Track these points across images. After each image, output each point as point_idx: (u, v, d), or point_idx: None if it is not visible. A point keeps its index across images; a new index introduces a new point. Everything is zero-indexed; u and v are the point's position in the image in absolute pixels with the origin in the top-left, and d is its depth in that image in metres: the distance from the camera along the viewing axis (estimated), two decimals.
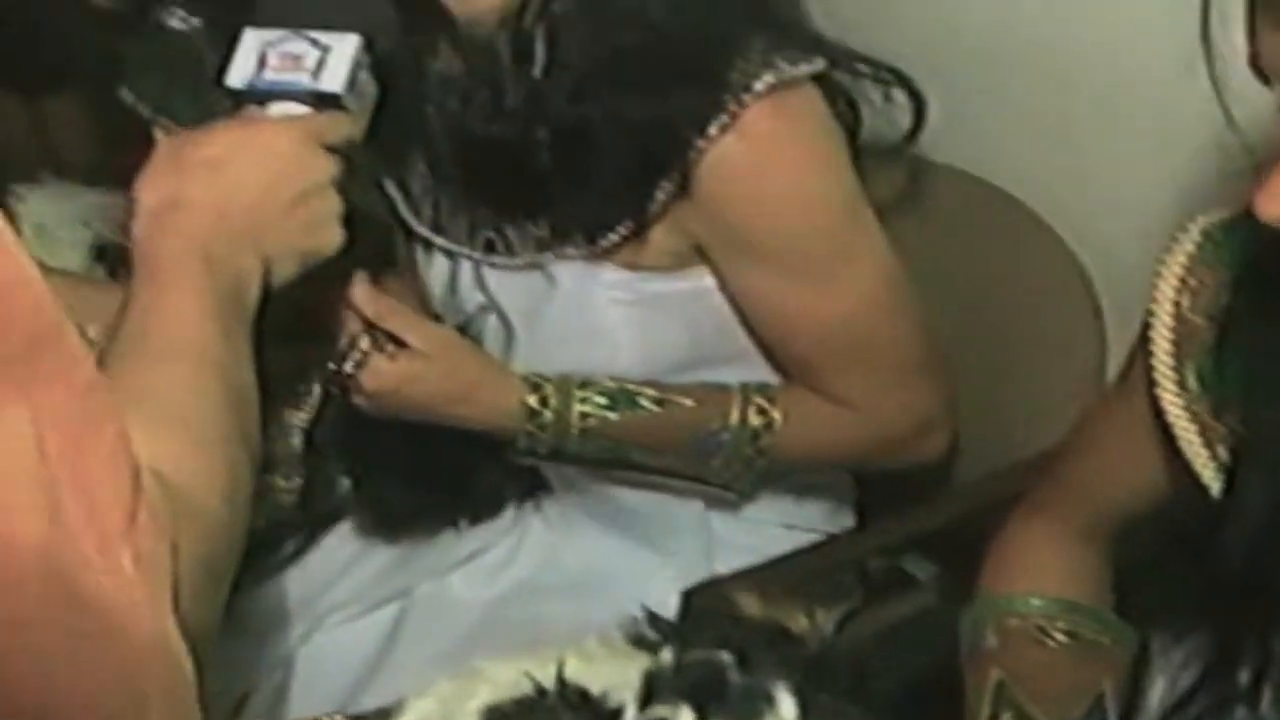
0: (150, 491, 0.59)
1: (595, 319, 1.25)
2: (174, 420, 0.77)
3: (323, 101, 1.00)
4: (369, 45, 1.02)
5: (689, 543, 1.34)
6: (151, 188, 0.93)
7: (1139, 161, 1.35)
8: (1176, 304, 0.95)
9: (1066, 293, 1.37)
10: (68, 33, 1.67)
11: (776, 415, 1.24)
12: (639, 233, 1.19)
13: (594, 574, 1.34)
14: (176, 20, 1.50)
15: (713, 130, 1.13)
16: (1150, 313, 0.96)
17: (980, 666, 1.06)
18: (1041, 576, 1.08)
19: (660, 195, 1.16)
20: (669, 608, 1.04)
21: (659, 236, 1.20)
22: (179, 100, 1.59)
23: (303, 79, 0.99)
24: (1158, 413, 0.96)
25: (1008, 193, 1.41)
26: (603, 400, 1.22)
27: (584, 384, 1.23)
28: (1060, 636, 1.06)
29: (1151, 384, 0.96)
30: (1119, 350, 1.31)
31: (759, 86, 1.13)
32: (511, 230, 1.24)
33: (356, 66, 1.01)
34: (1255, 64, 0.77)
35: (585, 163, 1.16)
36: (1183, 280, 0.95)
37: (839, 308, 1.21)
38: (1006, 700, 1.03)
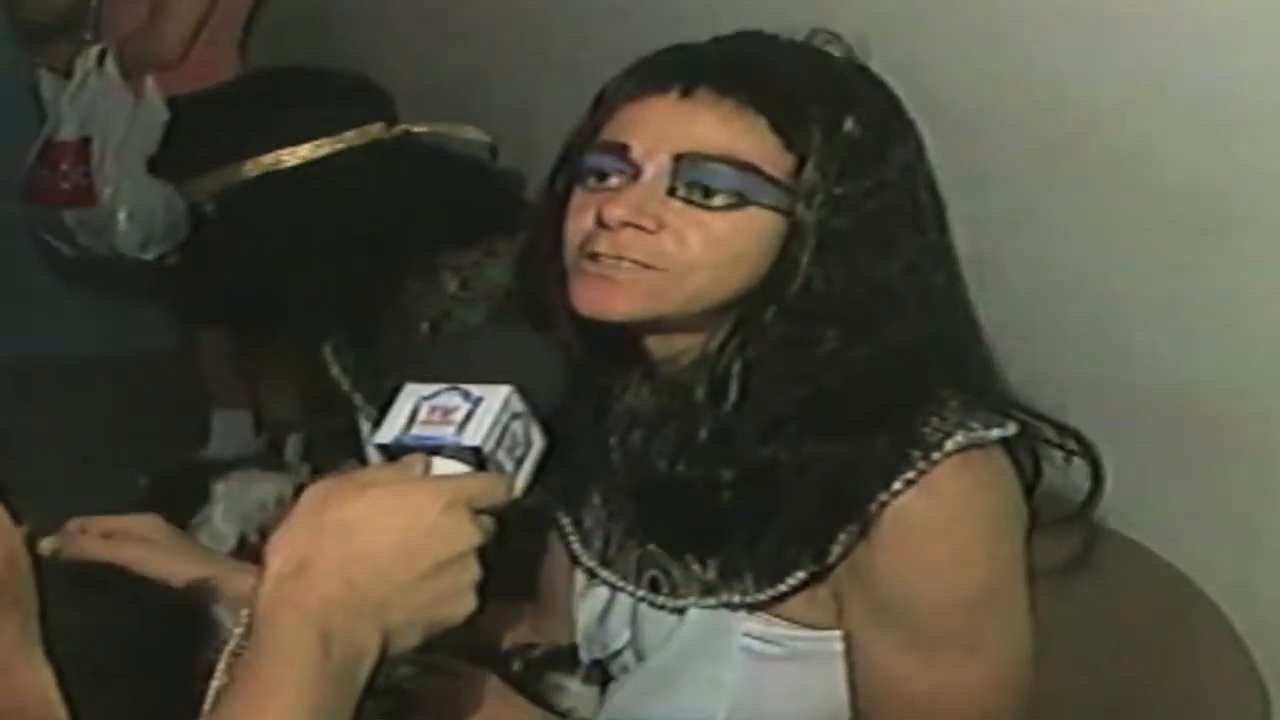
0: None
1: (720, 667, 1.22)
2: None
3: (478, 457, 0.96)
4: (524, 395, 0.99)
5: None
6: (285, 544, 0.88)
7: None
8: None
9: (1233, 692, 1.28)
10: (285, 295, 1.74)
11: None
12: (814, 582, 1.16)
13: None
14: None
15: (897, 484, 1.12)
16: None
17: None
18: None
19: (838, 548, 1.15)
20: None
21: (820, 589, 1.18)
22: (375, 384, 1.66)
23: (447, 433, 0.95)
24: None
25: (1184, 575, 1.36)
26: None
27: None
28: None
29: None
30: None
31: (950, 446, 1.12)
32: (678, 572, 1.23)
33: (507, 419, 0.97)
34: None
35: (768, 504, 1.15)
36: None
37: (937, 698, 1.15)
38: None
